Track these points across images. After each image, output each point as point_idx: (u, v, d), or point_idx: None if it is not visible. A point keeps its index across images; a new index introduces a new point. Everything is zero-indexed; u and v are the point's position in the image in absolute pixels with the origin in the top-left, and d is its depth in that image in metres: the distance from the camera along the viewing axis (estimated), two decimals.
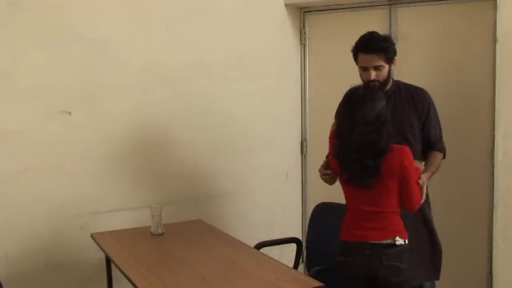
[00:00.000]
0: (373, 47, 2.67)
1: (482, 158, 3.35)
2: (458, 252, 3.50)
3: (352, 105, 2.47)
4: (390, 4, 3.67)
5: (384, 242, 2.47)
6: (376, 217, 2.50)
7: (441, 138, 2.86)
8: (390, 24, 3.65)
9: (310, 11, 4.13)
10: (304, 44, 4.18)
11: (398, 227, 2.51)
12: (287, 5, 4.05)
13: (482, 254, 3.38)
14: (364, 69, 2.71)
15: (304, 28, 4.16)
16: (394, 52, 2.73)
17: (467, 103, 3.43)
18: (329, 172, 2.68)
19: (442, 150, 2.84)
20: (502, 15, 3.09)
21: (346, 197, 2.62)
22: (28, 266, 3.22)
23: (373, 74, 2.68)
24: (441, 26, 3.52)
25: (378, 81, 2.69)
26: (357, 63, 2.77)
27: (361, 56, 2.70)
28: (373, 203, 2.49)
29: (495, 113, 3.16)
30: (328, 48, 4.06)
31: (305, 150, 4.26)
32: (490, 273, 3.28)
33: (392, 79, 2.83)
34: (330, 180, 2.72)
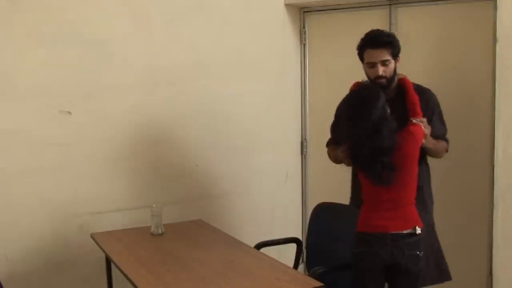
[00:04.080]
0: (382, 41, 2.66)
1: (482, 158, 3.35)
2: (458, 252, 3.49)
3: (354, 108, 2.51)
4: (390, 4, 3.67)
5: (405, 231, 2.54)
6: (396, 206, 2.55)
7: (445, 135, 2.88)
8: (390, 24, 3.65)
9: (310, 11, 4.13)
10: (304, 44, 4.18)
11: (416, 216, 2.58)
12: (287, 5, 4.05)
13: (482, 254, 3.38)
14: (371, 65, 2.68)
15: (304, 28, 4.16)
16: (399, 48, 2.71)
17: (467, 103, 3.43)
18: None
19: (447, 141, 2.86)
20: (502, 15, 3.09)
21: (364, 188, 2.63)
22: (28, 266, 3.22)
23: (380, 70, 2.66)
24: (441, 26, 3.52)
25: (386, 77, 2.67)
26: (362, 60, 2.74)
27: (369, 52, 2.67)
28: (393, 192, 2.53)
29: (495, 113, 3.16)
30: (328, 48, 4.06)
31: (305, 150, 4.26)
32: (490, 273, 3.28)
33: (397, 78, 2.81)
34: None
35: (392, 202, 2.55)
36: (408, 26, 3.60)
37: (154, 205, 3.05)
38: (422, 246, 2.56)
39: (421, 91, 2.79)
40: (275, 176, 4.13)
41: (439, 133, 2.82)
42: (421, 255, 2.56)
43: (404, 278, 2.57)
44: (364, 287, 2.60)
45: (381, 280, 2.59)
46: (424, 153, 2.77)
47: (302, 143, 4.26)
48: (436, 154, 2.84)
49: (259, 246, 3.06)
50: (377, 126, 2.43)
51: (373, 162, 2.47)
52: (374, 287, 2.60)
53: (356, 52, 2.79)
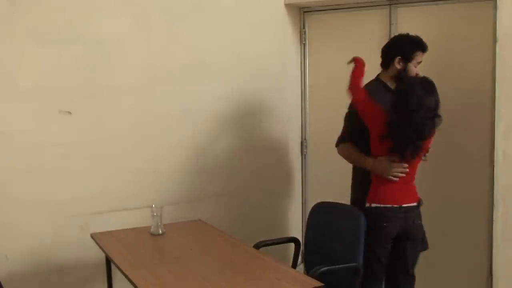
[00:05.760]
0: (426, 47, 3.00)
1: (482, 158, 3.35)
2: (458, 252, 3.50)
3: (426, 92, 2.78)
4: (390, 4, 3.66)
5: (413, 204, 2.89)
6: (405, 181, 2.85)
7: None
8: (390, 24, 3.65)
9: (310, 11, 4.13)
10: (304, 44, 4.18)
11: (416, 190, 2.93)
12: (287, 5, 4.05)
13: (482, 254, 3.38)
14: (416, 65, 3.01)
15: (304, 28, 4.16)
16: None
17: (467, 103, 3.43)
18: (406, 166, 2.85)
19: None
20: (502, 15, 3.09)
21: None
22: (28, 267, 3.23)
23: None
24: (441, 26, 3.52)
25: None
26: (409, 60, 2.98)
27: (419, 54, 3.00)
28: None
29: (495, 113, 3.16)
30: (328, 48, 4.06)
31: (305, 150, 4.26)
32: (490, 273, 3.28)
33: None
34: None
35: (403, 178, 2.83)
36: (408, 26, 3.59)
37: (154, 205, 3.05)
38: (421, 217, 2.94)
39: None
40: (275, 176, 4.13)
41: None
42: (422, 223, 2.93)
43: (410, 244, 2.92)
44: (376, 259, 2.89)
45: (388, 249, 2.90)
46: None
47: (302, 143, 4.26)
48: None
49: (259, 245, 3.06)
50: (430, 115, 2.73)
51: (411, 143, 2.75)
52: (385, 257, 2.91)
53: (381, 50, 3.04)
